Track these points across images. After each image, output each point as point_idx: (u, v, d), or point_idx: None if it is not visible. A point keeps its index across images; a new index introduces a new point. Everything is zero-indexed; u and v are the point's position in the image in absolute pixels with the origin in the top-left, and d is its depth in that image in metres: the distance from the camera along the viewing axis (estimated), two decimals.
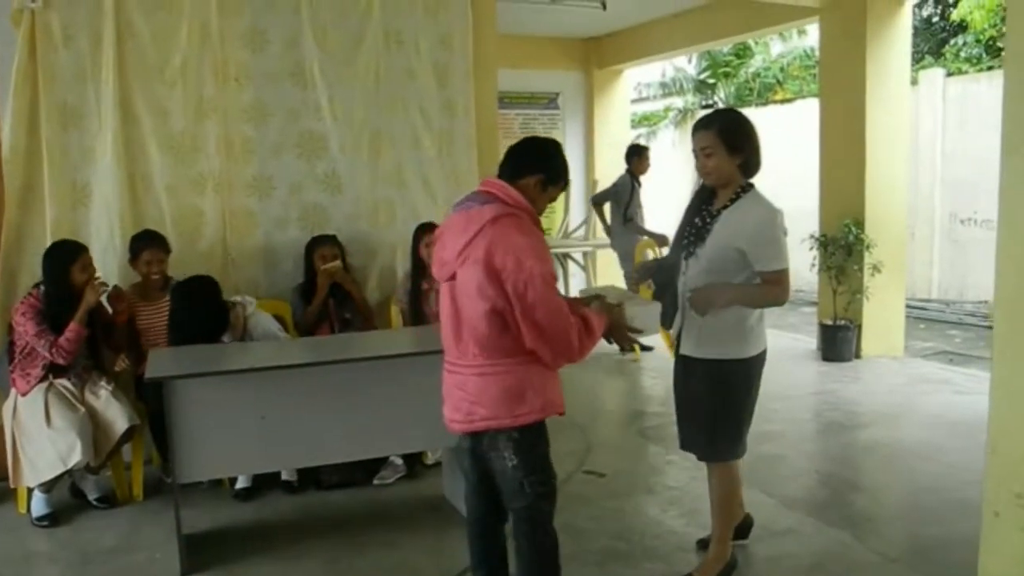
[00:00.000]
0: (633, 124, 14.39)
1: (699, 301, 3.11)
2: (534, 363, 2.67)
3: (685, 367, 3.28)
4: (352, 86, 5.39)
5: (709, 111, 3.33)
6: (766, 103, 14.04)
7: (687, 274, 3.20)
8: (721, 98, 15.03)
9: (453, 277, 2.67)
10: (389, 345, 4.37)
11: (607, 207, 8.07)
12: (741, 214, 3.06)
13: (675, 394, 3.40)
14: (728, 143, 3.05)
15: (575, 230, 10.39)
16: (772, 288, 3.04)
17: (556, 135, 10.17)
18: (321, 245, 5.02)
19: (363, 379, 3.88)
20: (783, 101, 13.69)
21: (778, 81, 15.35)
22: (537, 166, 2.74)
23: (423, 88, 5.61)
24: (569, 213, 10.40)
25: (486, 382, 2.67)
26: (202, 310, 4.24)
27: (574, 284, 10.24)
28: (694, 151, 3.13)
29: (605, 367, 7.42)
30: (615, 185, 7.98)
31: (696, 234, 3.15)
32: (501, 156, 2.80)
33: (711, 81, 15.10)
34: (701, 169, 3.12)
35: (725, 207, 3.10)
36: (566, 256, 10.16)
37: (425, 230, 5.09)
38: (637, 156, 7.89)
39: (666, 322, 3.33)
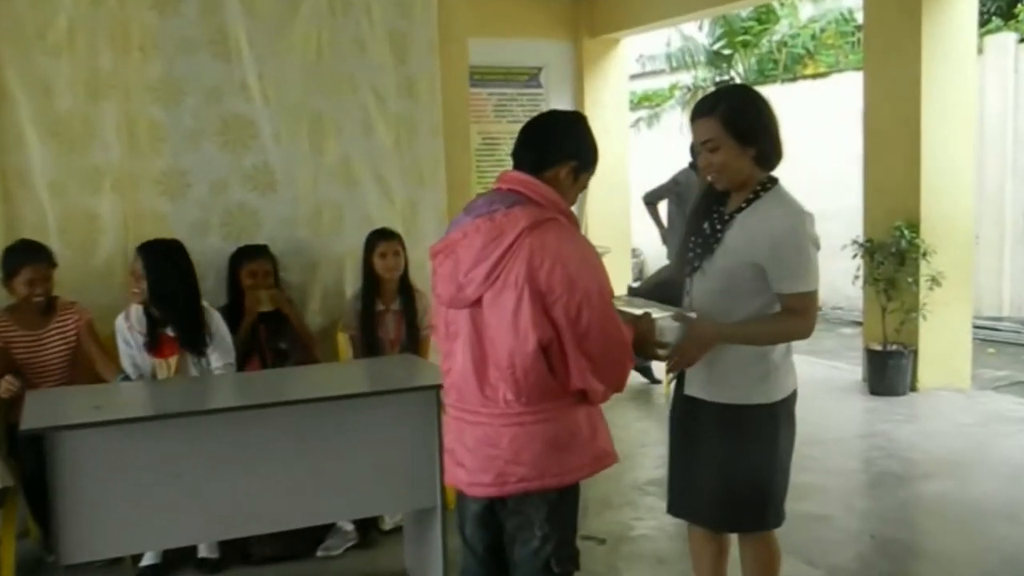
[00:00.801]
0: (633, 105, 14.42)
1: (687, 354, 2.96)
2: (581, 404, 2.64)
3: (690, 411, 3.16)
4: (288, 60, 5.35)
5: (708, 92, 3.25)
6: (795, 78, 14.09)
7: (692, 294, 3.11)
8: (739, 73, 15.10)
9: (477, 302, 2.59)
10: (336, 382, 4.34)
11: (663, 206, 8.07)
12: (760, 218, 2.95)
13: (671, 443, 3.29)
14: (737, 132, 2.93)
15: None
16: (791, 319, 2.92)
17: None
18: (250, 258, 4.97)
19: (304, 426, 3.82)
20: (816, 76, 13.73)
21: (809, 51, 15.42)
22: (567, 151, 2.69)
23: (376, 63, 5.59)
24: None
25: (527, 434, 2.60)
26: (179, 269, 4.52)
27: None
28: (693, 145, 3.06)
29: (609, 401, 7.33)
30: (675, 182, 8.04)
31: (704, 244, 3.05)
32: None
33: (727, 52, 15.16)
34: (706, 168, 3.01)
35: (740, 209, 3.00)
36: None
37: (380, 238, 5.08)
38: None
39: None
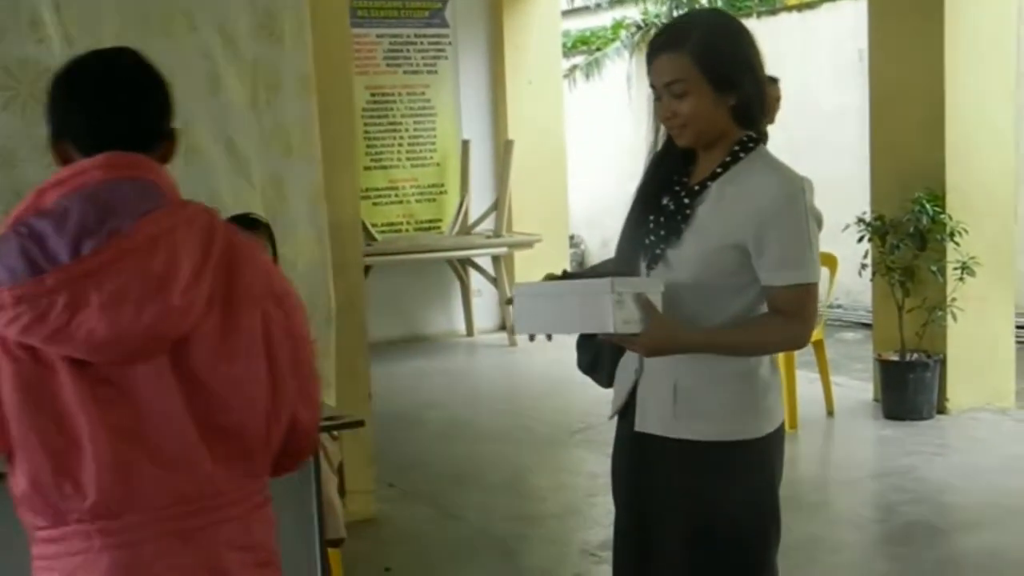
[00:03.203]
0: (567, 50, 14.42)
1: (643, 349, 2.94)
2: None
3: (644, 455, 3.13)
4: None
5: (674, 20, 3.23)
6: (775, 10, 14.29)
7: None
8: (703, 5, 15.19)
9: (181, 342, 2.24)
10: None
11: None
12: (743, 187, 2.96)
13: (618, 500, 3.29)
14: (713, 73, 2.93)
15: (478, 221, 10.50)
16: (784, 322, 2.94)
17: (443, 68, 10.22)
18: None
19: None
20: (802, 6, 13.89)
21: None
22: (167, 114, 2.49)
23: None
24: (469, 194, 10.46)
25: (267, 519, 2.41)
26: None
27: (480, 305, 10.49)
28: (653, 87, 3.04)
29: (543, 438, 7.41)
30: None
31: (667, 224, 3.03)
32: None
33: None
34: (668, 119, 3.02)
35: (715, 176, 3.00)
36: (466, 264, 10.30)
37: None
38: None
39: (604, 376, 3.28)
